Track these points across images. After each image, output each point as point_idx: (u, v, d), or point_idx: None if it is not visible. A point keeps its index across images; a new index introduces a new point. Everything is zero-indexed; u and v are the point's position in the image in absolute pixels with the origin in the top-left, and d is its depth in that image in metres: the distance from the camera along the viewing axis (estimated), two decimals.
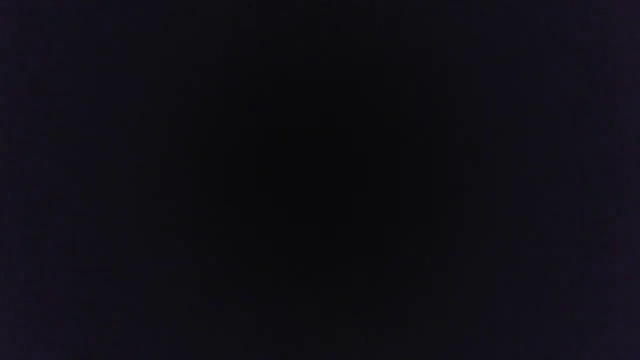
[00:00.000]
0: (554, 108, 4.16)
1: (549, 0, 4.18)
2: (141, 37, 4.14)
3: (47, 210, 4.13)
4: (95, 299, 4.11)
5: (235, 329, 4.10)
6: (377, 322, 4.10)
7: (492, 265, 4.11)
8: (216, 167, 4.14)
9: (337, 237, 4.12)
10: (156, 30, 4.16)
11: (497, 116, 4.14)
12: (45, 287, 4.12)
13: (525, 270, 4.11)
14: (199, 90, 4.16)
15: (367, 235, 4.12)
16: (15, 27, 4.19)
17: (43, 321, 4.11)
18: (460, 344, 4.09)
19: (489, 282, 4.10)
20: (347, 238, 4.12)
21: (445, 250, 4.11)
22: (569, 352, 4.10)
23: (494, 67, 4.16)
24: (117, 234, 4.11)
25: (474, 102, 4.15)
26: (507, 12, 4.17)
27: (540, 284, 4.11)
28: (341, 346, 4.09)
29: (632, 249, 4.11)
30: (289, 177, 4.13)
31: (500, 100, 4.16)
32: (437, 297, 4.10)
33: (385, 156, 4.14)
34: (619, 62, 4.17)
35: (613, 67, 4.17)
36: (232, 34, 4.16)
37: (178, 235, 4.12)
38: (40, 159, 4.14)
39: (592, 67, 4.17)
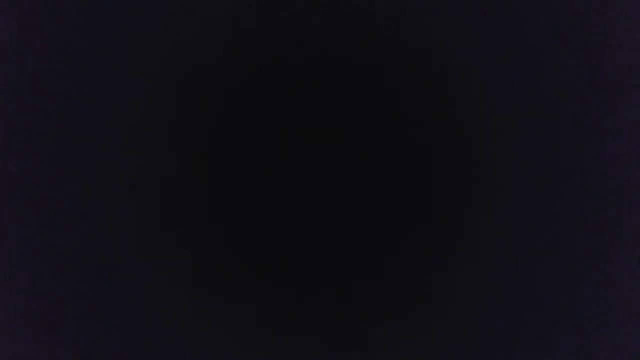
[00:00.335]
0: (554, 108, 4.16)
1: (549, 0, 4.18)
2: (141, 36, 4.14)
3: (47, 210, 4.13)
4: (95, 298, 4.11)
5: (235, 328, 4.10)
6: (377, 322, 4.10)
7: (492, 265, 4.11)
8: (216, 166, 4.14)
9: (336, 237, 4.12)
10: (156, 30, 4.16)
11: (497, 116, 4.14)
12: (45, 287, 4.12)
13: (525, 270, 4.11)
14: (198, 90, 4.16)
15: (367, 235, 4.12)
16: (15, 27, 4.19)
17: (43, 321, 4.11)
18: (460, 344, 4.09)
19: (489, 282, 4.10)
20: (347, 238, 4.12)
21: (445, 250, 4.11)
22: (569, 352, 4.10)
23: (494, 67, 4.16)
24: (117, 233, 4.12)
25: (474, 102, 4.15)
26: (507, 12, 4.17)
27: (540, 284, 4.11)
28: (341, 346, 4.10)
29: (632, 249, 4.11)
30: (289, 177, 4.13)
31: (501, 100, 4.16)
32: (437, 297, 4.10)
33: (385, 156, 4.14)
34: (619, 62, 4.17)
35: (613, 67, 4.17)
36: (232, 34, 4.16)
37: (178, 235, 4.12)
38: (41, 159, 4.14)
39: (592, 67, 4.17)
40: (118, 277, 4.10)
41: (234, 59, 4.17)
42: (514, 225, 4.12)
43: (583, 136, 4.15)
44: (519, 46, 4.16)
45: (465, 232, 4.11)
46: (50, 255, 4.12)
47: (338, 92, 4.15)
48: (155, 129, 4.16)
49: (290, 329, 4.10)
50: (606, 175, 4.13)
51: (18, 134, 4.15)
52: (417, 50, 4.15)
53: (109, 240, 4.11)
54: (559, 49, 4.17)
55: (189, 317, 4.10)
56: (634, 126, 4.14)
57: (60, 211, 4.13)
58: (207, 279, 4.11)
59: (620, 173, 4.13)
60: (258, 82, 4.15)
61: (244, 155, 4.14)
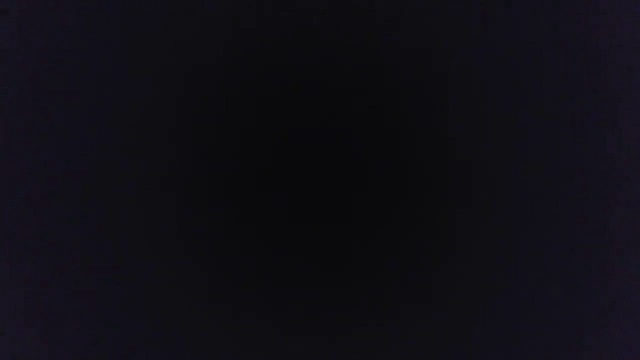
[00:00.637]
0: (554, 108, 4.16)
1: (549, 0, 4.18)
2: (141, 37, 4.14)
3: (47, 210, 4.13)
4: (95, 298, 4.11)
5: (235, 328, 4.10)
6: (377, 322, 4.10)
7: (492, 265, 4.11)
8: (216, 166, 4.14)
9: (336, 237, 4.12)
10: (156, 30, 4.16)
11: (497, 116, 4.14)
12: (45, 287, 4.12)
13: (525, 270, 4.11)
14: (199, 90, 4.16)
15: (367, 235, 4.12)
16: (15, 27, 4.19)
17: (43, 321, 4.11)
18: (460, 344, 4.09)
19: (489, 282, 4.10)
20: (347, 238, 4.12)
21: (445, 250, 4.11)
22: (569, 352, 4.10)
23: (494, 67, 4.16)
24: (117, 233, 4.11)
25: (474, 102, 4.15)
26: (507, 12, 4.17)
27: (540, 284, 4.11)
28: (341, 346, 4.10)
29: (632, 249, 4.11)
30: (289, 177, 4.13)
31: (501, 100, 4.16)
32: (437, 297, 4.10)
33: (385, 156, 4.14)
34: (619, 62, 4.17)
35: (613, 67, 4.17)
36: (232, 34, 4.16)
37: (178, 235, 4.12)
38: (41, 158, 4.14)
39: (592, 67, 4.17)
40: (118, 277, 4.10)
41: (234, 59, 4.17)
42: (514, 225, 4.12)
43: (583, 136, 4.15)
44: (519, 46, 4.16)
45: (465, 232, 4.11)
46: (50, 255, 4.12)
47: (338, 92, 4.15)
48: (156, 128, 4.16)
49: (290, 329, 4.10)
50: (606, 175, 4.13)
51: (18, 134, 4.15)
52: (417, 50, 4.15)
53: (109, 240, 4.11)
54: (559, 49, 4.17)
55: (188, 317, 4.10)
56: (634, 126, 4.14)
57: (60, 211, 4.13)
58: (207, 279, 4.11)
59: (621, 173, 4.13)
60: (258, 82, 4.15)
61: (244, 154, 4.14)
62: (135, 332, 4.08)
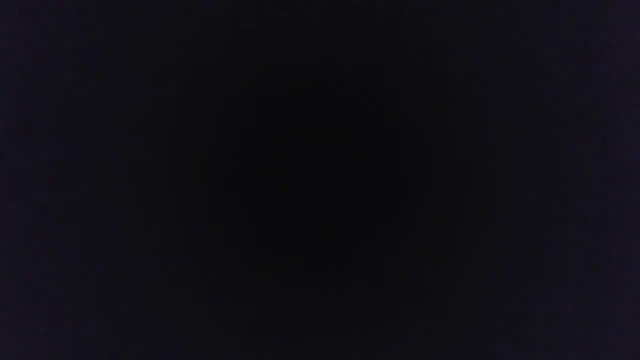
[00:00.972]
0: (554, 108, 4.16)
1: (549, 1, 4.18)
2: (141, 37, 4.14)
3: (47, 210, 4.13)
4: (95, 298, 4.11)
5: (235, 329, 4.10)
6: (377, 322, 4.10)
7: (492, 265, 4.11)
8: (216, 166, 4.14)
9: (336, 237, 4.12)
10: (156, 30, 4.16)
11: (497, 116, 4.15)
12: (45, 287, 4.12)
13: (525, 270, 4.11)
14: (199, 90, 4.16)
15: (367, 235, 4.12)
16: (15, 27, 4.19)
17: (43, 321, 4.11)
18: (460, 344, 4.09)
19: (489, 282, 4.10)
20: (346, 238, 4.12)
21: (445, 250, 4.11)
22: (569, 352, 4.10)
23: (494, 67, 4.16)
24: (118, 233, 4.12)
25: (474, 102, 4.15)
26: (507, 12, 4.17)
27: (540, 284, 4.11)
28: (341, 346, 4.10)
29: (632, 249, 4.11)
30: (289, 177, 4.13)
31: (501, 100, 4.16)
32: (437, 297, 4.10)
33: (385, 156, 4.14)
34: (619, 62, 4.17)
35: (613, 67, 4.17)
36: (232, 34, 4.16)
37: (178, 235, 4.12)
38: (40, 158, 4.15)
39: (592, 67, 4.17)
40: (118, 277, 4.10)
41: (234, 59, 4.17)
42: (514, 225, 4.12)
43: (583, 136, 4.15)
44: (519, 46, 4.16)
45: (465, 232, 4.11)
46: (51, 255, 4.12)
47: (338, 92, 4.15)
48: (155, 128, 4.16)
49: (289, 329, 4.10)
50: (606, 175, 4.13)
51: (18, 134, 4.15)
52: (417, 50, 4.15)
53: (109, 240, 4.11)
54: (559, 49, 4.17)
55: (188, 317, 4.10)
56: (634, 126, 4.14)
57: (60, 211, 4.13)
58: (207, 279, 4.11)
59: (621, 173, 4.13)
60: (258, 82, 4.15)
61: (244, 154, 4.14)
62: (135, 332, 4.08)
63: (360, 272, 4.11)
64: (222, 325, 4.10)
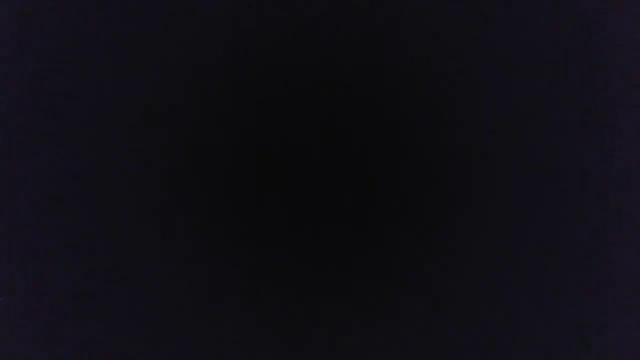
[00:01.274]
0: (554, 108, 4.16)
1: (549, 1, 4.18)
2: (141, 37, 4.14)
3: (47, 210, 4.13)
4: (95, 298, 4.11)
5: (235, 329, 4.10)
6: (377, 322, 4.10)
7: (492, 265, 4.11)
8: (216, 166, 4.14)
9: (336, 237, 4.12)
10: (156, 30, 4.16)
11: (497, 116, 4.14)
12: (45, 287, 4.12)
13: (525, 270, 4.11)
14: (199, 90, 4.16)
15: (367, 235, 4.11)
16: (15, 27, 4.19)
17: (43, 321, 4.11)
18: (460, 343, 4.09)
19: (489, 282, 4.10)
20: (346, 238, 4.12)
21: (445, 250, 4.11)
22: (569, 352, 4.10)
23: (494, 67, 4.16)
24: (117, 233, 4.11)
25: (474, 102, 4.15)
26: (507, 12, 4.17)
27: (540, 284, 4.11)
28: (341, 346, 4.09)
29: (632, 249, 4.11)
30: (289, 177, 4.13)
31: (501, 100, 4.16)
32: (437, 297, 4.10)
33: (385, 156, 4.14)
34: (619, 62, 4.17)
35: (613, 68, 4.17)
36: (232, 34, 4.16)
37: (178, 235, 4.12)
38: (41, 159, 4.14)
39: (592, 67, 4.17)
40: (118, 277, 4.10)
41: (234, 59, 4.16)
42: (514, 225, 4.12)
43: (583, 136, 4.15)
44: (519, 46, 4.16)
45: (465, 232, 4.11)
46: (50, 255, 4.12)
47: (338, 92, 4.15)
48: (155, 129, 4.15)
49: (290, 329, 4.10)
50: (606, 175, 4.13)
51: (18, 134, 4.15)
52: (417, 50, 4.15)
53: (109, 240, 4.11)
54: (559, 49, 4.17)
55: (188, 317, 4.10)
56: (634, 126, 4.14)
57: (60, 211, 4.13)
58: (207, 279, 4.11)
59: (621, 173, 4.13)
60: (258, 82, 4.15)
61: (244, 155, 4.14)
62: (135, 332, 4.08)
63: (361, 272, 4.11)
64: (222, 326, 4.10)
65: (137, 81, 4.15)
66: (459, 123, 4.14)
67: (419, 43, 4.14)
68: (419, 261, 4.10)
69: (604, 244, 4.11)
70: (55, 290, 4.11)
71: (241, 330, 4.10)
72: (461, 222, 4.11)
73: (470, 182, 4.12)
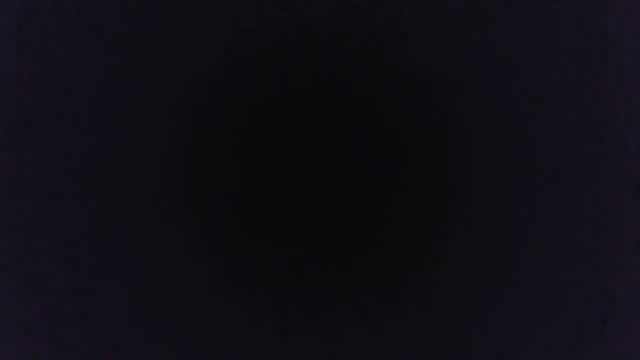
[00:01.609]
0: (554, 107, 4.16)
1: (549, 1, 4.18)
2: (141, 37, 4.14)
3: (47, 210, 4.13)
4: (95, 298, 4.11)
5: (235, 328, 4.10)
6: (377, 322, 4.10)
7: (492, 265, 4.11)
8: (216, 166, 4.14)
9: (336, 237, 4.12)
10: (156, 30, 4.16)
11: (498, 116, 4.14)
12: (45, 287, 4.12)
13: (525, 270, 4.11)
14: (199, 90, 4.16)
15: (366, 235, 4.12)
16: (15, 27, 4.19)
17: (43, 321, 4.11)
18: (460, 344, 4.09)
19: (489, 282, 4.10)
20: (346, 238, 4.12)
21: (445, 250, 4.11)
22: (569, 352, 4.10)
23: (494, 67, 4.16)
24: (117, 233, 4.12)
25: (474, 102, 4.15)
26: (507, 12, 4.17)
27: (540, 284, 4.11)
28: (341, 346, 4.09)
29: (633, 249, 4.11)
30: (289, 177, 4.13)
31: (501, 100, 4.16)
32: (437, 297, 4.10)
33: (385, 156, 4.14)
34: (619, 62, 4.17)
35: (613, 68, 4.17)
36: (232, 34, 4.16)
37: (178, 235, 4.12)
38: (41, 159, 4.14)
39: (593, 67, 4.17)
40: (118, 277, 4.10)
41: (234, 59, 4.17)
42: (514, 225, 4.12)
43: (583, 136, 4.15)
44: (519, 46, 4.16)
45: (465, 232, 4.11)
46: (50, 255, 4.12)
47: (338, 92, 4.15)
48: (155, 129, 4.16)
49: (289, 329, 4.10)
50: (606, 175, 4.13)
51: (18, 134, 4.15)
52: (417, 50, 4.15)
53: (108, 240, 4.11)
54: (559, 49, 4.17)
55: (188, 317, 4.10)
56: (634, 126, 4.14)
57: (60, 211, 4.13)
58: (207, 279, 4.11)
59: (621, 173, 4.13)
60: (258, 82, 4.15)
61: (244, 155, 4.14)
62: (134, 332, 4.08)
63: (361, 272, 4.11)
64: (222, 325, 4.10)
65: (137, 81, 4.15)
66: (459, 123, 4.14)
67: (419, 43, 4.14)
68: (419, 261, 4.10)
69: (604, 244, 4.11)
70: (55, 291, 4.11)
71: (241, 330, 4.10)
72: (461, 222, 4.11)
73: (470, 182, 4.13)
